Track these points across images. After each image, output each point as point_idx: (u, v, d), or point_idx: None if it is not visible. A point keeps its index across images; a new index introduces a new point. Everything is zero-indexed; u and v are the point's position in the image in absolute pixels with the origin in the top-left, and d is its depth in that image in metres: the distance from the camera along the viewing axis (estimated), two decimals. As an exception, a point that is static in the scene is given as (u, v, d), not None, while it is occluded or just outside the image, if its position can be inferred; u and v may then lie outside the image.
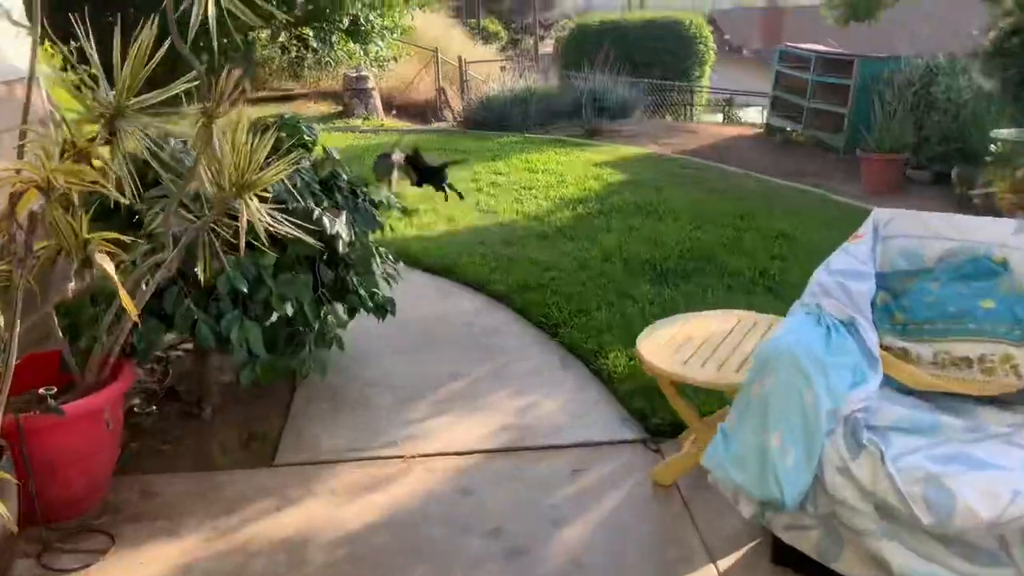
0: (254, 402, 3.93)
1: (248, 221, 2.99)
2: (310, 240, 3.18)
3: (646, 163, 9.55)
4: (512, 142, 11.44)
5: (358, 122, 13.91)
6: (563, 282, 5.38)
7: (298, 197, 3.64)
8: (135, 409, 3.94)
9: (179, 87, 2.91)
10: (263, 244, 3.12)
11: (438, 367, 4.31)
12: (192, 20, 2.62)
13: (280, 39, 15.94)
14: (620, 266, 5.69)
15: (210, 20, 2.66)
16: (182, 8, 2.65)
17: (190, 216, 3.19)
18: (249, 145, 3.03)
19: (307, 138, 4.11)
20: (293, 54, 16.72)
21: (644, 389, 3.78)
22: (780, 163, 10.05)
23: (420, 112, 17.85)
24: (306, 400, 3.96)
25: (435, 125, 15.13)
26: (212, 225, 3.14)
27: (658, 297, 5.06)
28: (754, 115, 18.92)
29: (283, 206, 3.42)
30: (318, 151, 4.11)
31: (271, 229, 3.10)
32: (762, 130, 12.77)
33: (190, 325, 3.30)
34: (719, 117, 18.44)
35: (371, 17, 16.83)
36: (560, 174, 8.91)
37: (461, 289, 5.57)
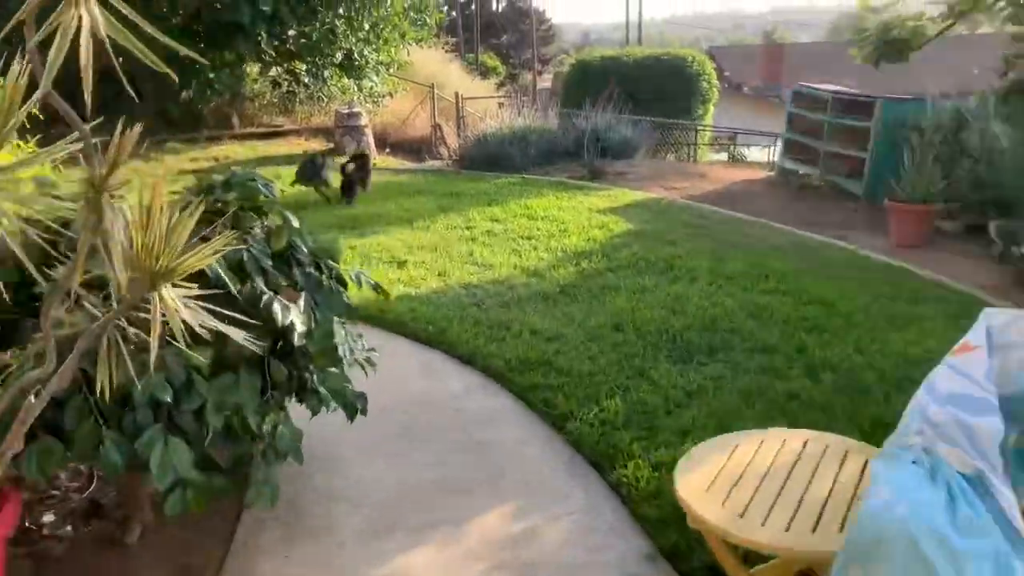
0: (192, 524, 3.18)
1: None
2: (251, 344, 2.45)
3: (654, 210, 8.87)
4: (510, 184, 10.78)
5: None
6: (569, 357, 4.66)
7: (248, 275, 2.93)
8: (44, 532, 3.19)
9: (60, 149, 2.19)
10: (195, 340, 2.40)
11: (419, 472, 3.56)
12: (51, 57, 1.91)
13: (271, 73, 15.34)
14: (633, 337, 4.96)
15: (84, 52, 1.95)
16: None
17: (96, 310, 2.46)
18: (167, 220, 2.32)
19: (263, 198, 3.39)
20: (284, 89, 16.13)
21: (675, 514, 3.04)
22: (797, 211, 9.38)
23: (415, 149, 17.24)
24: (255, 522, 3.21)
25: (429, 164, 14.48)
26: (125, 318, 2.41)
27: (681, 379, 4.33)
28: (757, 154, 18.36)
29: (222, 291, 2.70)
30: (274, 217, 3.39)
31: (203, 326, 2.38)
32: (773, 173, 12.13)
33: (94, 446, 2.56)
34: (723, 156, 17.85)
35: (366, 52, 16.28)
36: (562, 222, 8.22)
37: (451, 363, 4.84)
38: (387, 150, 15.62)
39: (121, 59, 1.72)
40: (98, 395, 2.56)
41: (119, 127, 2.21)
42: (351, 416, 3.30)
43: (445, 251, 7.22)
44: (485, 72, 41.18)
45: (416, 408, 4.16)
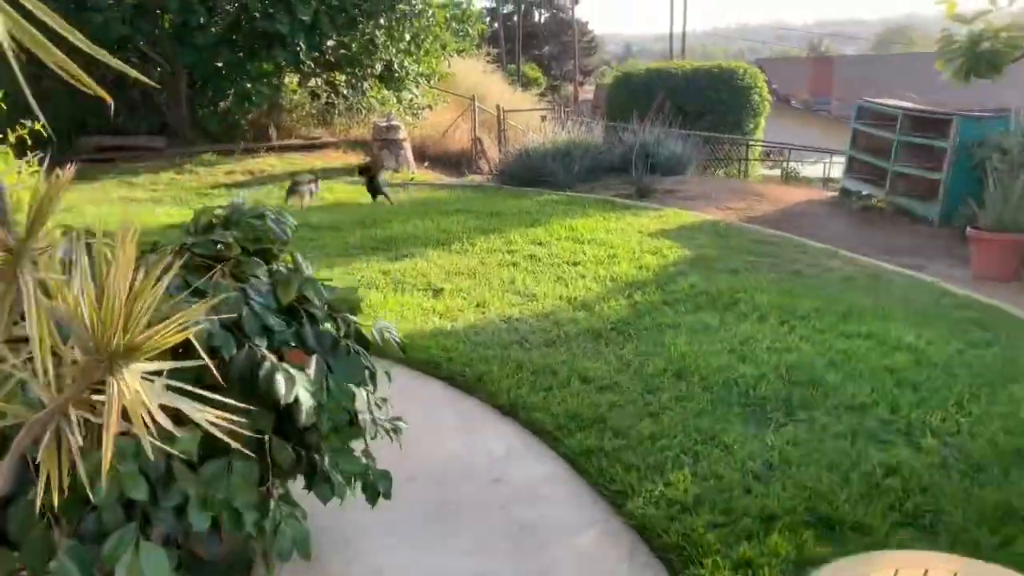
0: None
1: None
2: (243, 431, 1.93)
3: (711, 234, 8.24)
4: (553, 202, 10.23)
5: (387, 175, 12.80)
6: (626, 413, 4.07)
7: (247, 337, 2.40)
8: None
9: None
10: (178, 420, 1.88)
11: (453, 563, 3.00)
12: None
13: (310, 84, 15.01)
14: (699, 388, 4.36)
15: None
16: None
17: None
18: (128, 285, 1.80)
19: (275, 237, 2.85)
20: (323, 100, 15.79)
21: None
22: (866, 236, 8.69)
23: (454, 163, 16.80)
24: (255, 627, 2.67)
25: (469, 179, 14.00)
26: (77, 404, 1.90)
27: (758, 445, 3.72)
28: (809, 171, 17.60)
29: (214, 358, 2.18)
30: (286, 258, 2.86)
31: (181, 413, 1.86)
32: (833, 193, 11.43)
33: (45, 556, 2.04)
34: (775, 172, 17.11)
35: (406, 63, 15.88)
36: (610, 246, 7.64)
37: (490, 414, 4.28)
38: (425, 164, 15.19)
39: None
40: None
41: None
42: (372, 500, 2.76)
43: (484, 278, 6.68)
44: (526, 83, 40.77)
45: (450, 477, 3.61)
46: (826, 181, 16.61)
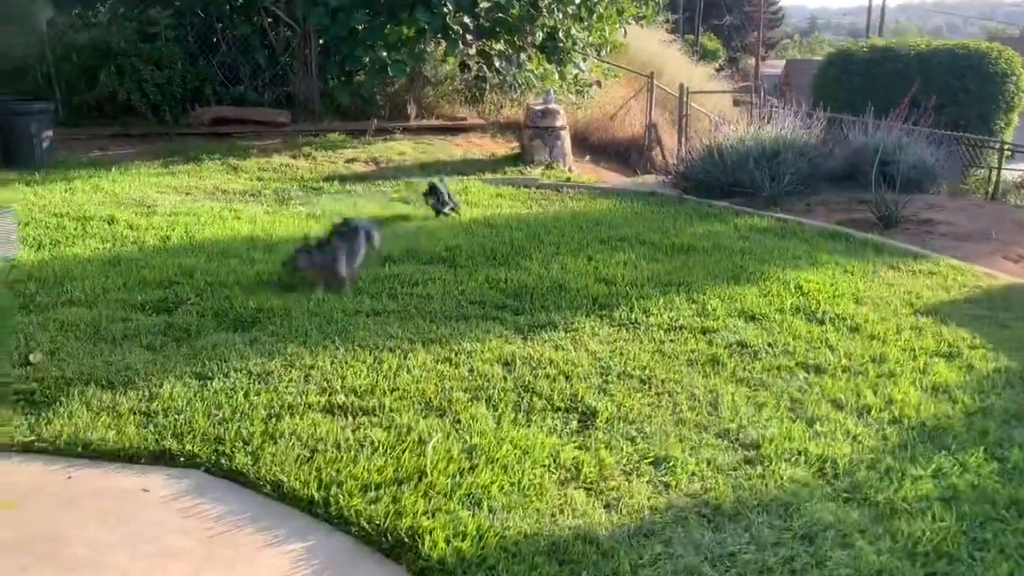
0: None
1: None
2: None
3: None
4: (761, 230, 7.37)
5: (536, 172, 10.28)
6: None
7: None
8: None
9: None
10: None
11: None
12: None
13: (456, 53, 12.63)
14: None
15: None
16: None
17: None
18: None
19: None
20: (473, 73, 13.41)
21: None
22: None
23: (622, 153, 14.05)
24: None
25: (641, 180, 11.24)
26: None
27: None
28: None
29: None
30: None
31: None
32: None
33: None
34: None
35: (573, 30, 13.20)
36: (870, 335, 4.78)
37: None
38: (587, 157, 12.54)
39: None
40: None
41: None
42: None
43: (666, 391, 4.04)
44: (704, 55, 36.88)
45: None
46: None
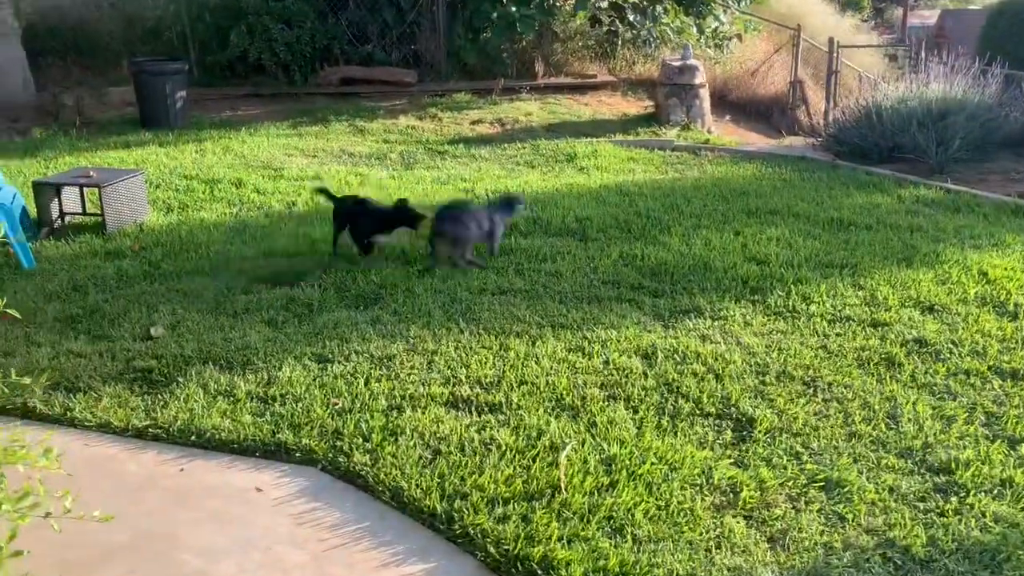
0: None
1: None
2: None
3: None
4: (928, 202, 6.58)
5: (672, 133, 9.64)
6: None
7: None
8: None
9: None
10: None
11: None
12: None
13: (587, 6, 12.00)
14: None
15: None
16: None
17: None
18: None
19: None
20: (605, 28, 12.76)
21: None
22: None
23: (764, 112, 13.11)
24: None
25: (787, 142, 10.40)
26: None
27: None
28: None
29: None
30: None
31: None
32: None
33: None
34: None
35: (713, -21, 12.34)
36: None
37: None
38: (727, 117, 11.73)
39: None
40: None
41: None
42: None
43: (835, 397, 3.51)
44: (846, 5, 34.34)
45: None
46: None
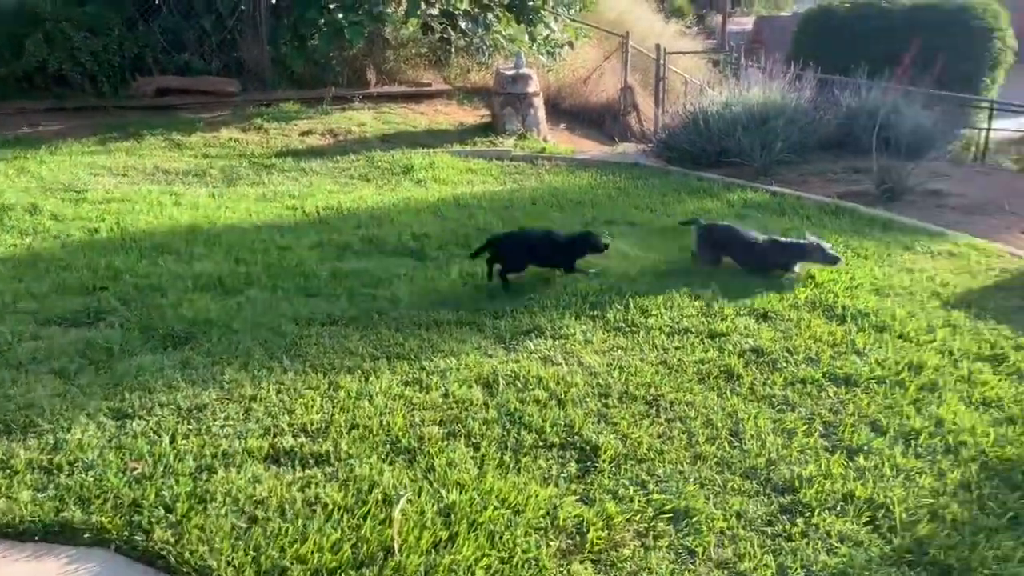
0: None
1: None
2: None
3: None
4: (756, 205, 6.77)
5: (509, 142, 9.55)
6: None
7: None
8: None
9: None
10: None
11: None
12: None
13: (418, 13, 11.75)
14: None
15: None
16: None
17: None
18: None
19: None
20: (437, 35, 12.55)
21: None
22: None
23: (596, 119, 13.33)
24: None
25: (620, 149, 10.56)
26: None
27: None
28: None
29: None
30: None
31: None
32: None
33: None
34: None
35: (543, -13, 12.39)
36: (899, 335, 4.18)
37: None
38: (561, 125, 11.81)
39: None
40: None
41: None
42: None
43: (678, 416, 3.43)
44: (673, 12, 35.82)
45: None
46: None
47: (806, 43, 14.76)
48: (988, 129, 12.49)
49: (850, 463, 3.11)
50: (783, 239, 5.04)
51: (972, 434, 3.29)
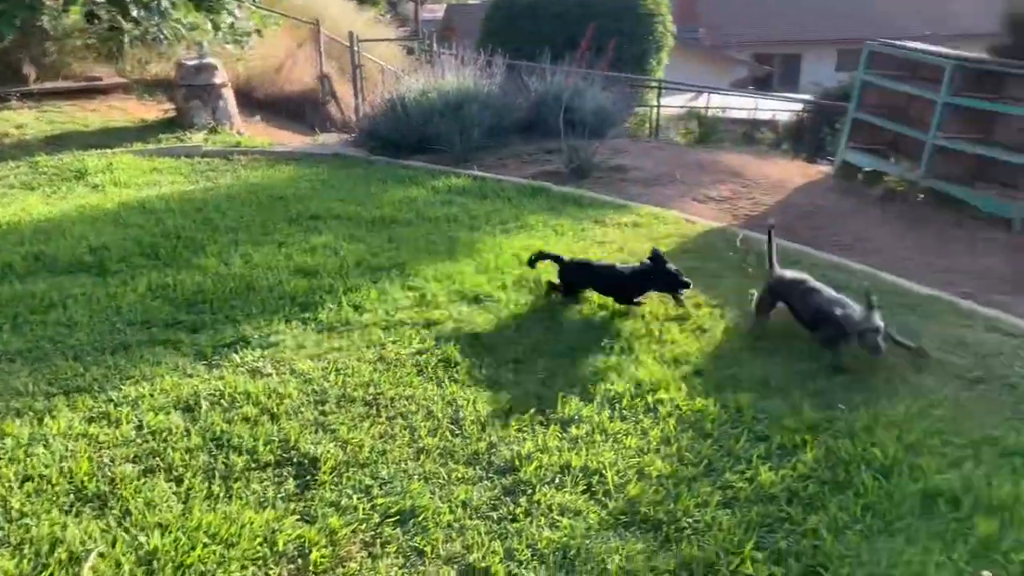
0: None
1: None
2: None
3: (736, 268, 5.19)
4: (460, 190, 6.88)
5: (198, 138, 8.90)
6: None
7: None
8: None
9: None
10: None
11: None
12: None
13: (80, 1, 10.52)
14: None
15: None
16: None
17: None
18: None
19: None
20: (105, 26, 11.32)
21: None
22: (919, 247, 5.97)
23: (295, 109, 12.86)
24: None
25: (321, 140, 10.27)
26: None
27: None
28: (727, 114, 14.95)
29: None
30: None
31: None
32: (829, 169, 8.73)
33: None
34: (692, 125, 14.26)
35: (222, -27, 11.63)
36: (602, 302, 4.45)
37: None
38: (256, 116, 11.24)
39: None
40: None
41: None
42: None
43: (399, 412, 3.36)
44: (362, 0, 35.68)
45: None
46: (752, 134, 14.11)
47: (494, 30, 15.36)
48: (658, 107, 13.84)
49: (564, 434, 3.23)
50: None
51: (667, 390, 3.56)
